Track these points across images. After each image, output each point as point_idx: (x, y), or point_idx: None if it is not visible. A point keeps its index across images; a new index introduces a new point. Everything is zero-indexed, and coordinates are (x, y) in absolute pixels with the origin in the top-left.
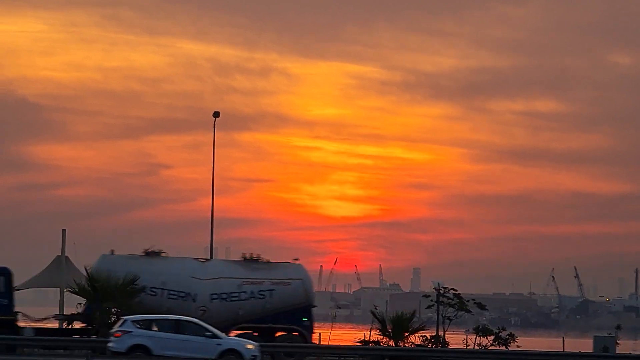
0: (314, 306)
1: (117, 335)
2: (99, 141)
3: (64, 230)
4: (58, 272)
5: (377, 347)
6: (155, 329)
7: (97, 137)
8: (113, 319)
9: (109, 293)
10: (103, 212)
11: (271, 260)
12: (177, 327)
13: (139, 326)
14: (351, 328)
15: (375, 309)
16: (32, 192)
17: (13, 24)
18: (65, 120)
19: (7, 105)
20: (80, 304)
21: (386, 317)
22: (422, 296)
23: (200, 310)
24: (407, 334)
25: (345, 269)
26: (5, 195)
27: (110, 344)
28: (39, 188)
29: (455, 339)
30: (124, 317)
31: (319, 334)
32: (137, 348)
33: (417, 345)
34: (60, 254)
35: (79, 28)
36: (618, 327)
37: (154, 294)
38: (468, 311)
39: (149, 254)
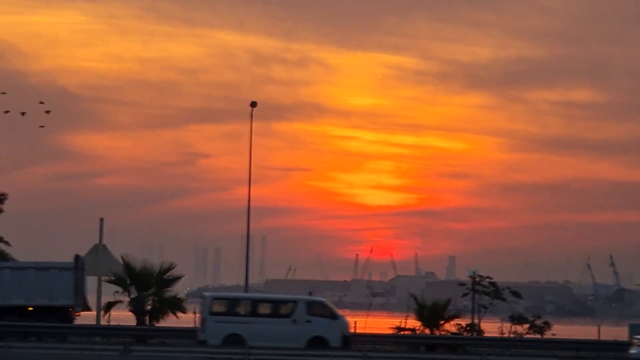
0: None
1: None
2: (138, 131)
3: (101, 219)
4: (96, 260)
5: (413, 335)
6: None
7: (136, 127)
8: (150, 306)
9: (146, 281)
10: (141, 201)
11: None
12: None
13: None
14: (387, 316)
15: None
16: (72, 181)
17: (53, 16)
18: (105, 110)
19: (47, 96)
20: (117, 292)
21: (424, 304)
22: (458, 284)
23: None
24: (442, 322)
25: (381, 258)
26: (45, 184)
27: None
28: (79, 177)
29: (491, 327)
30: None
31: (355, 322)
32: None
33: (452, 333)
34: (98, 243)
35: (118, 19)
36: None
37: None
38: (503, 299)
39: None
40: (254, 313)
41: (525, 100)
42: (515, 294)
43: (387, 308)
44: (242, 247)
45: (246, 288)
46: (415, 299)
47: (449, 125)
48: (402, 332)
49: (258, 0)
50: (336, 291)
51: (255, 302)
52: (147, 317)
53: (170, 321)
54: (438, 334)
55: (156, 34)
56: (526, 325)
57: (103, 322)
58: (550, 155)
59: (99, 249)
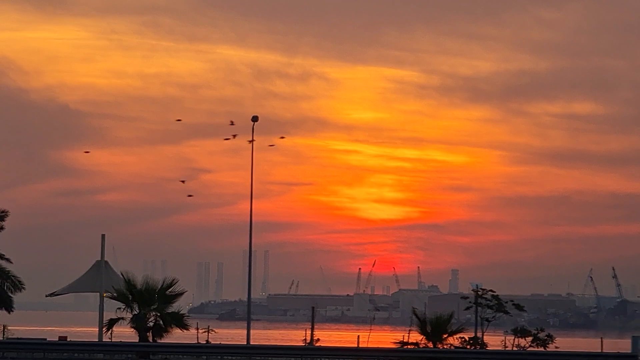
0: None
1: None
2: (140, 146)
3: (103, 235)
4: (97, 277)
5: (416, 349)
6: None
7: (137, 143)
8: (152, 323)
9: (148, 297)
10: (143, 217)
11: None
12: None
13: None
14: (390, 330)
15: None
16: (73, 197)
17: (53, 32)
18: (106, 126)
19: (49, 112)
20: (119, 308)
21: (425, 319)
22: (461, 298)
23: None
24: (445, 335)
25: (384, 271)
26: (46, 200)
27: None
28: (80, 193)
29: (494, 341)
30: None
31: (358, 336)
32: None
33: (455, 347)
34: (99, 259)
35: (119, 35)
36: None
37: None
38: (506, 312)
39: None
40: None
41: (527, 113)
42: (518, 307)
43: (390, 322)
44: (244, 262)
45: (249, 303)
46: (416, 314)
47: (451, 139)
48: (405, 347)
49: (259, 15)
50: (339, 305)
51: None
52: (149, 334)
53: (172, 337)
54: (441, 347)
55: (157, 50)
56: (529, 338)
57: (105, 339)
58: (552, 168)
59: (101, 265)
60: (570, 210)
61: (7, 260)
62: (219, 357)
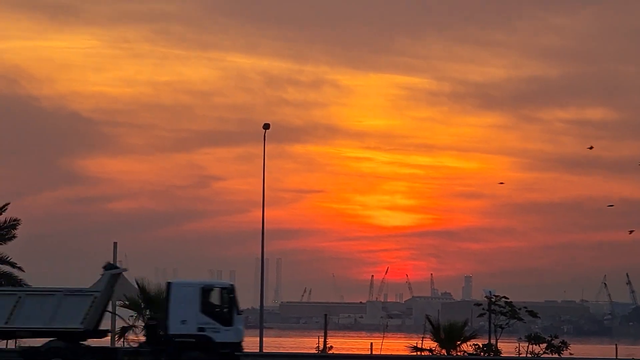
0: None
1: None
2: (151, 154)
3: (115, 243)
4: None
5: (430, 356)
6: None
7: (149, 151)
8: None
9: (161, 305)
10: (155, 225)
11: None
12: None
13: None
14: (403, 337)
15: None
16: (85, 205)
17: (65, 40)
18: (118, 134)
19: (60, 120)
20: (132, 316)
21: (439, 326)
22: (474, 305)
23: None
24: (459, 342)
25: (397, 279)
26: (58, 208)
27: None
28: (92, 201)
29: (508, 348)
30: None
31: (371, 343)
32: None
33: (469, 354)
34: None
35: (130, 43)
36: None
37: None
38: (520, 319)
39: None
40: None
41: (539, 119)
42: (532, 314)
43: (403, 329)
44: (256, 270)
45: (261, 311)
46: (430, 320)
47: (463, 145)
48: (419, 353)
49: (270, 22)
50: (352, 313)
51: None
52: None
53: None
54: (455, 354)
55: (168, 58)
56: (543, 345)
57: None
58: (564, 174)
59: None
60: (583, 216)
61: (19, 268)
62: None
